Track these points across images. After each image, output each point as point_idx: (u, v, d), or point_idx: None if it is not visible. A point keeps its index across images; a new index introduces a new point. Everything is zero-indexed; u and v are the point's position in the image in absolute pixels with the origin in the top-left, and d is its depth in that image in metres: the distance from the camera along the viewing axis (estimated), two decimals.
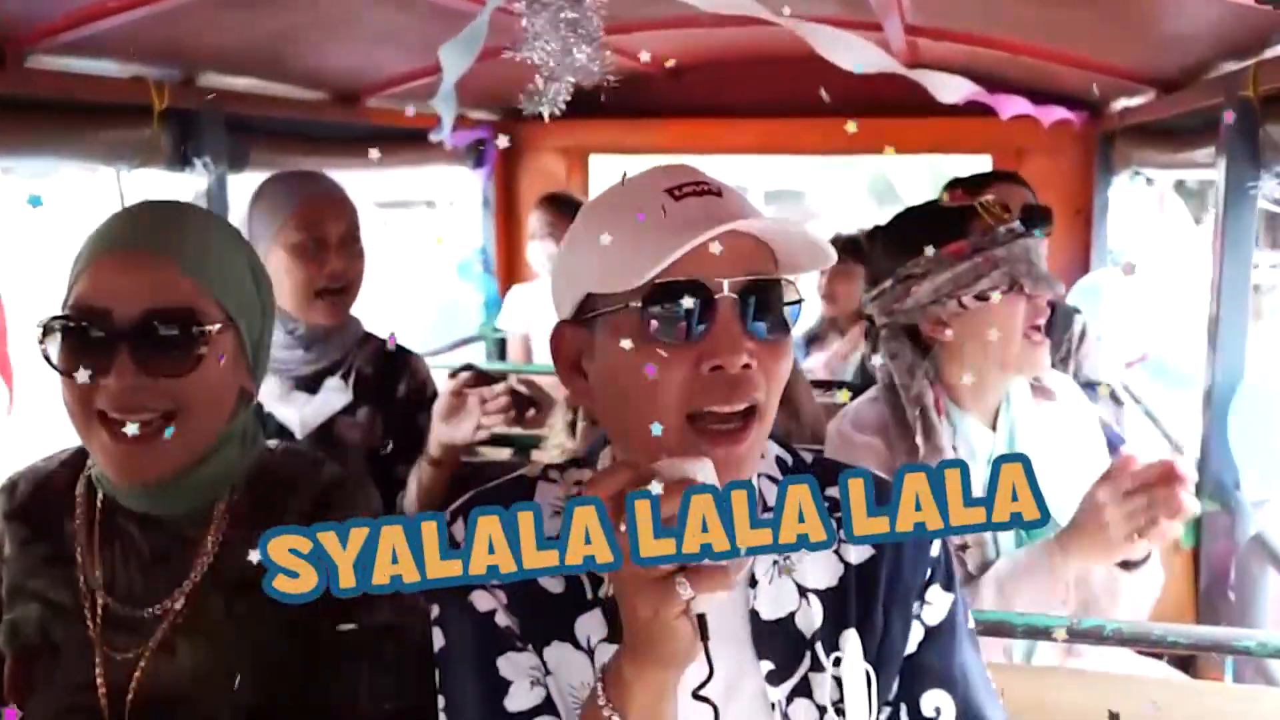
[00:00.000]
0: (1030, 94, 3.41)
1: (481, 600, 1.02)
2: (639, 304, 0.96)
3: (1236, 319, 2.20)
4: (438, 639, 1.05)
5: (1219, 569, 2.18)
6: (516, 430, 2.75)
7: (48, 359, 1.16)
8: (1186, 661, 2.11)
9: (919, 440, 1.73)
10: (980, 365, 1.73)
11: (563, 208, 3.41)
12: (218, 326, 1.19)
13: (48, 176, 2.22)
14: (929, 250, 1.70)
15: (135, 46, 2.15)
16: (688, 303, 0.94)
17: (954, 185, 2.52)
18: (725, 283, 0.95)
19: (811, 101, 3.95)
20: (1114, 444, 2.45)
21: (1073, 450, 1.79)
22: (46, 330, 1.16)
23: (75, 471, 1.28)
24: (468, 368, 1.93)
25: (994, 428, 1.77)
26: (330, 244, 1.94)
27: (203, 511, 1.23)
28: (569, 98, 1.86)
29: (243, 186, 2.88)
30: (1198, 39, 2.25)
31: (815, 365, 3.50)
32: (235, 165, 2.51)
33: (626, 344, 0.95)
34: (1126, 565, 1.63)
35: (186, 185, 2.39)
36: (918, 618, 1.06)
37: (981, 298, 1.70)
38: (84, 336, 1.14)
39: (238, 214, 2.03)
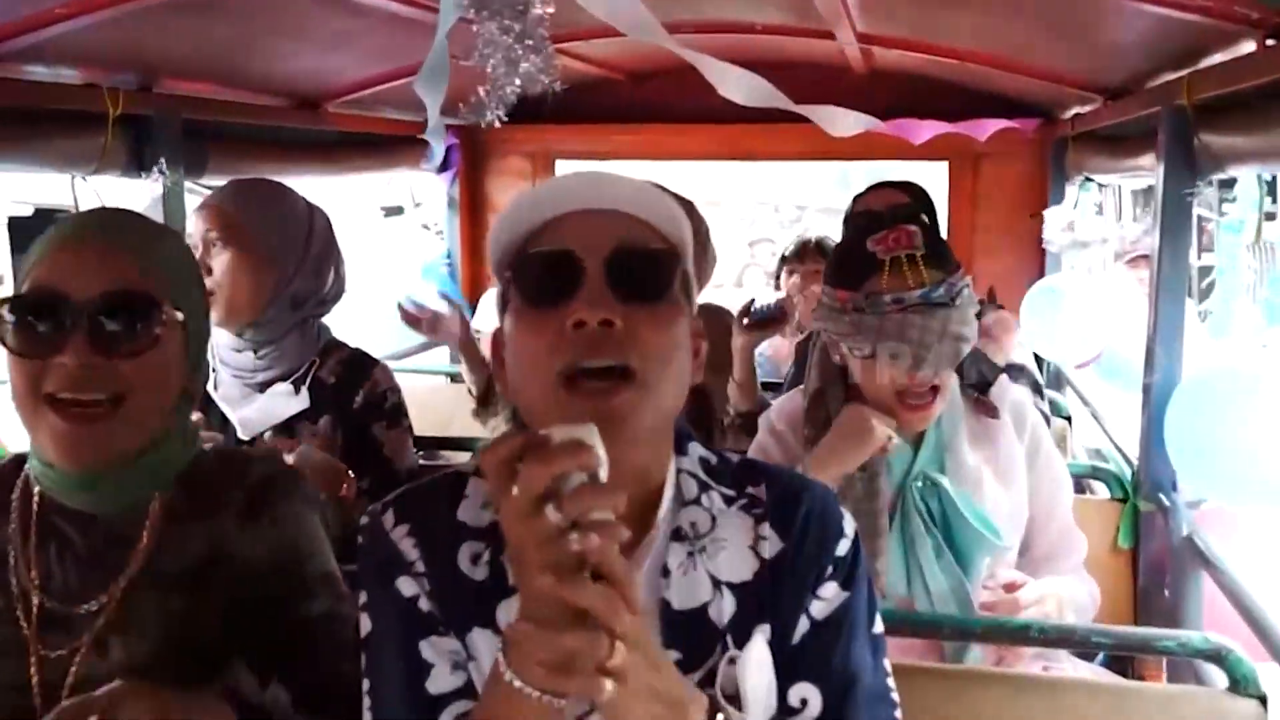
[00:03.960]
0: (981, 101, 3.47)
1: (406, 586, 1.06)
2: (512, 275, 1.05)
3: (1174, 321, 2.24)
4: (365, 624, 1.09)
5: (1156, 569, 2.22)
6: (477, 434, 2.79)
7: (1, 341, 1.19)
8: (1126, 663, 2.16)
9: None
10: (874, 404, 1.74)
11: None
12: (169, 315, 1.23)
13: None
14: (827, 286, 1.74)
15: (90, 53, 2.16)
16: (552, 270, 1.01)
17: (873, 188, 2.58)
18: (593, 251, 1.01)
19: (773, 109, 4.01)
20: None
21: (1011, 471, 1.80)
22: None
23: (9, 478, 1.30)
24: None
25: (919, 444, 1.77)
26: (199, 245, 1.97)
27: (138, 509, 1.25)
28: (512, 106, 1.90)
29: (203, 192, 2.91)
30: (1138, 49, 2.29)
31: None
32: (193, 171, 2.53)
33: (509, 315, 1.05)
34: None
35: (143, 191, 2.41)
36: (805, 611, 1.08)
37: (852, 353, 1.72)
38: (40, 318, 1.17)
39: None
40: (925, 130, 2.73)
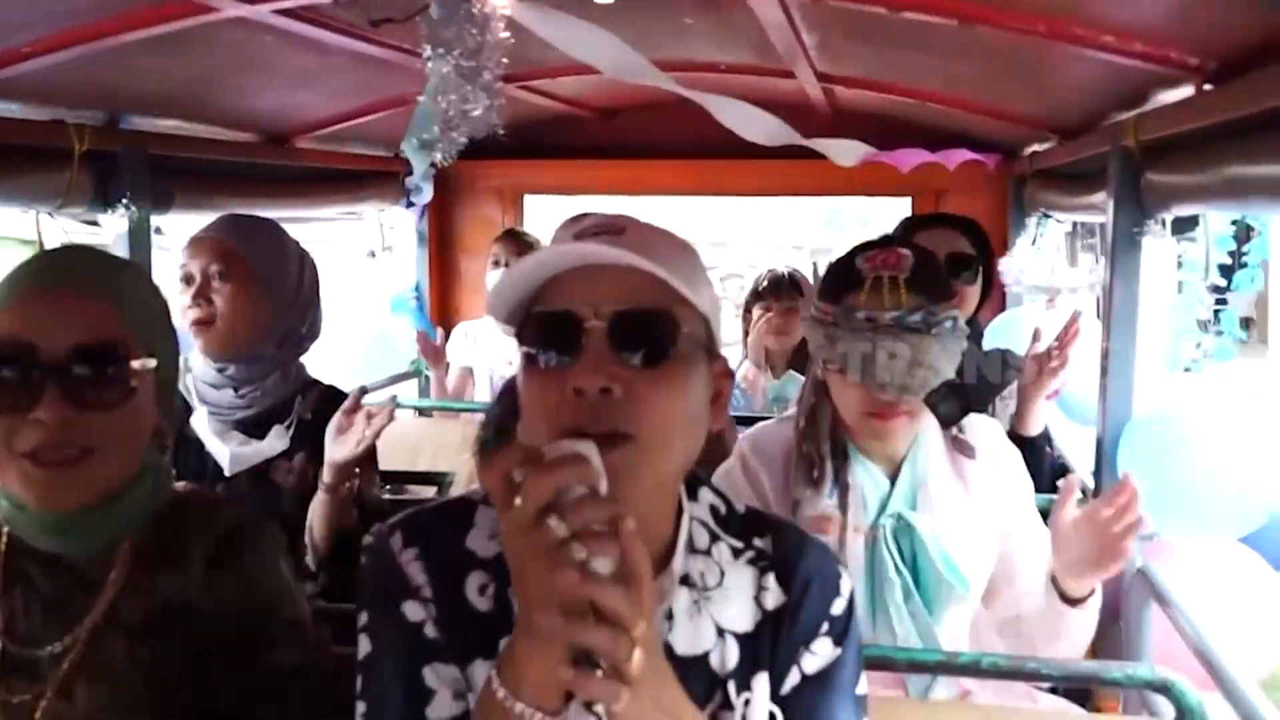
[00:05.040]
0: (945, 138, 3.53)
1: (412, 610, 1.05)
2: (520, 333, 1.04)
3: (1125, 357, 2.29)
4: (364, 645, 1.07)
5: (1111, 602, 2.24)
6: (444, 469, 2.80)
7: None
8: (1084, 695, 2.18)
9: (823, 463, 1.75)
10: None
11: (521, 242, 3.51)
12: (143, 361, 1.21)
13: None
14: (814, 300, 1.73)
15: (56, 90, 2.18)
16: (554, 331, 1.00)
17: (904, 224, 2.58)
18: (593, 312, 0.99)
19: (742, 144, 4.09)
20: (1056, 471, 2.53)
21: (982, 515, 1.78)
22: None
23: None
24: (362, 391, 1.96)
25: (895, 477, 1.76)
26: (195, 280, 1.98)
27: (106, 553, 1.23)
28: (461, 147, 1.93)
29: (168, 227, 2.92)
30: (1089, 91, 2.35)
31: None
32: (159, 206, 2.54)
33: (519, 369, 1.04)
34: (1073, 602, 1.67)
35: (109, 226, 2.42)
36: (797, 664, 1.09)
37: (825, 366, 1.72)
38: (10, 372, 1.15)
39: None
40: (910, 159, 2.80)
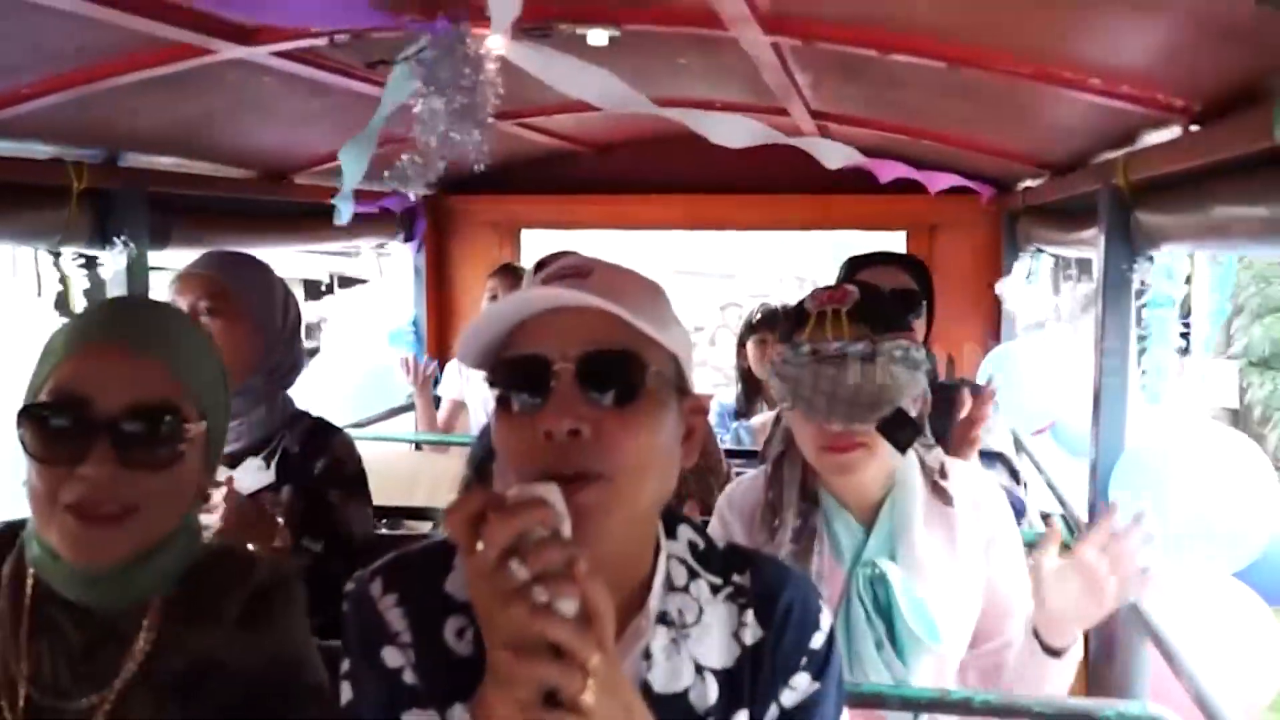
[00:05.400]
0: (938, 171, 3.56)
1: (391, 657, 1.05)
2: (492, 378, 1.04)
3: (1117, 392, 2.30)
4: (345, 693, 1.08)
5: (1104, 638, 2.25)
6: (439, 503, 2.80)
7: (24, 445, 1.16)
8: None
9: (784, 511, 1.74)
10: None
11: (516, 277, 3.54)
12: (195, 423, 1.21)
13: None
14: (769, 339, 1.75)
15: (56, 128, 2.21)
16: (524, 374, 1.01)
17: (848, 263, 2.60)
18: (561, 355, 1.00)
19: (737, 179, 4.11)
20: (1018, 510, 2.51)
21: (965, 563, 1.75)
22: (23, 415, 1.15)
23: (2, 553, 1.26)
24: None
25: (871, 526, 1.74)
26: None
27: (137, 607, 1.22)
28: (439, 175, 1.95)
29: (166, 263, 2.94)
30: (1079, 131, 2.38)
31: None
32: (156, 243, 2.56)
33: (492, 411, 1.05)
34: (1055, 652, 1.63)
35: (107, 263, 2.43)
36: (776, 699, 1.08)
37: (782, 404, 1.72)
38: (63, 424, 1.14)
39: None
40: (893, 170, 2.81)
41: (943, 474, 1.78)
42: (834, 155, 2.32)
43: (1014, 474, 2.56)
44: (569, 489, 0.95)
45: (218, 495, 1.79)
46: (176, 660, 1.21)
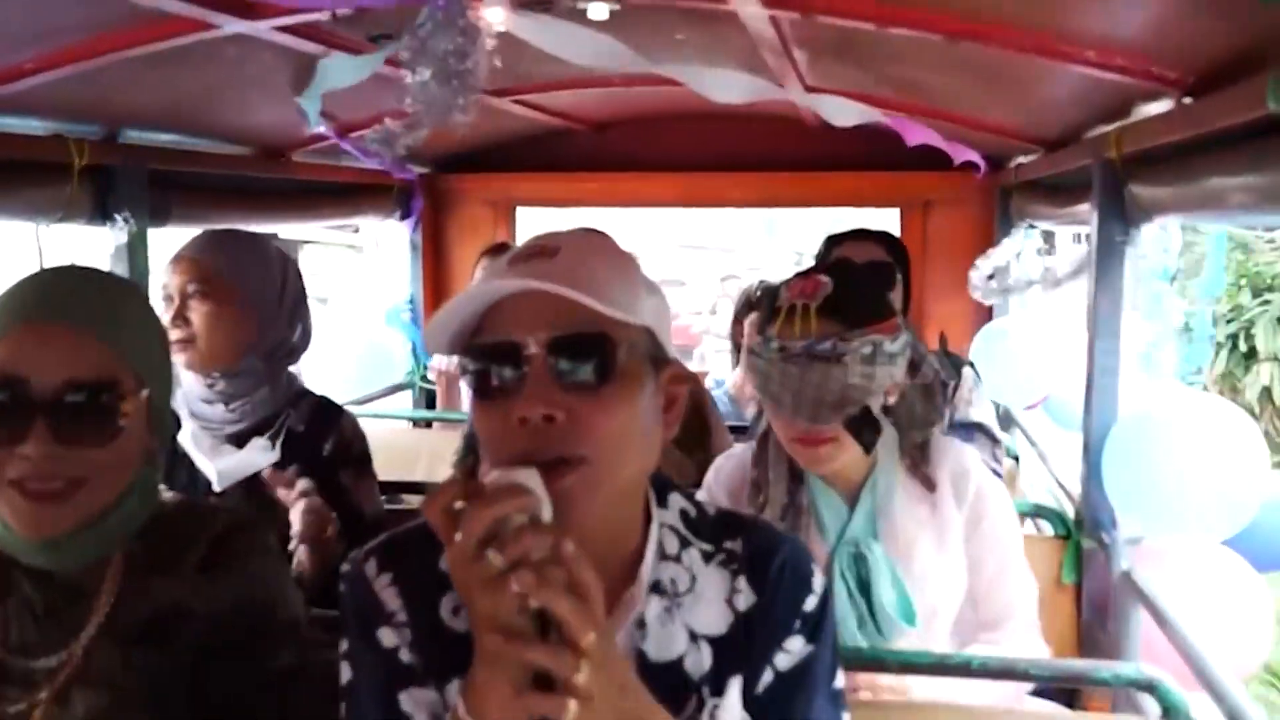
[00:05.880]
0: (933, 150, 3.57)
1: (387, 637, 1.06)
2: (465, 363, 1.04)
3: (1110, 364, 2.33)
4: (344, 672, 1.09)
5: (1098, 604, 2.29)
6: (439, 479, 2.82)
7: None
8: (1074, 696, 2.22)
9: (767, 488, 1.77)
10: None
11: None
12: (134, 395, 1.21)
13: None
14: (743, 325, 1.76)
15: (56, 105, 2.21)
16: (496, 359, 1.01)
17: (826, 241, 2.64)
18: (531, 339, 0.99)
19: (732, 156, 4.12)
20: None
21: (948, 544, 1.77)
22: None
23: None
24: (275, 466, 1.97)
25: (855, 505, 1.76)
26: (174, 300, 1.99)
27: (98, 565, 1.24)
28: (420, 141, 1.96)
29: (166, 240, 2.95)
30: (1072, 105, 2.40)
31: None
32: (156, 220, 2.56)
33: (467, 396, 1.04)
34: None
35: (107, 240, 2.44)
36: (770, 663, 1.09)
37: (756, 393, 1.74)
38: (1, 403, 1.14)
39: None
40: (917, 134, 2.77)
41: (924, 456, 1.79)
42: (844, 113, 2.29)
43: (995, 444, 2.60)
44: (549, 474, 0.96)
45: (297, 500, 1.83)
46: (140, 611, 1.22)
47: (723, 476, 1.87)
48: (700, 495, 1.86)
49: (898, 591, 1.71)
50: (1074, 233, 3.33)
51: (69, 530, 1.19)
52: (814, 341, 1.63)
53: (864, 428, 1.67)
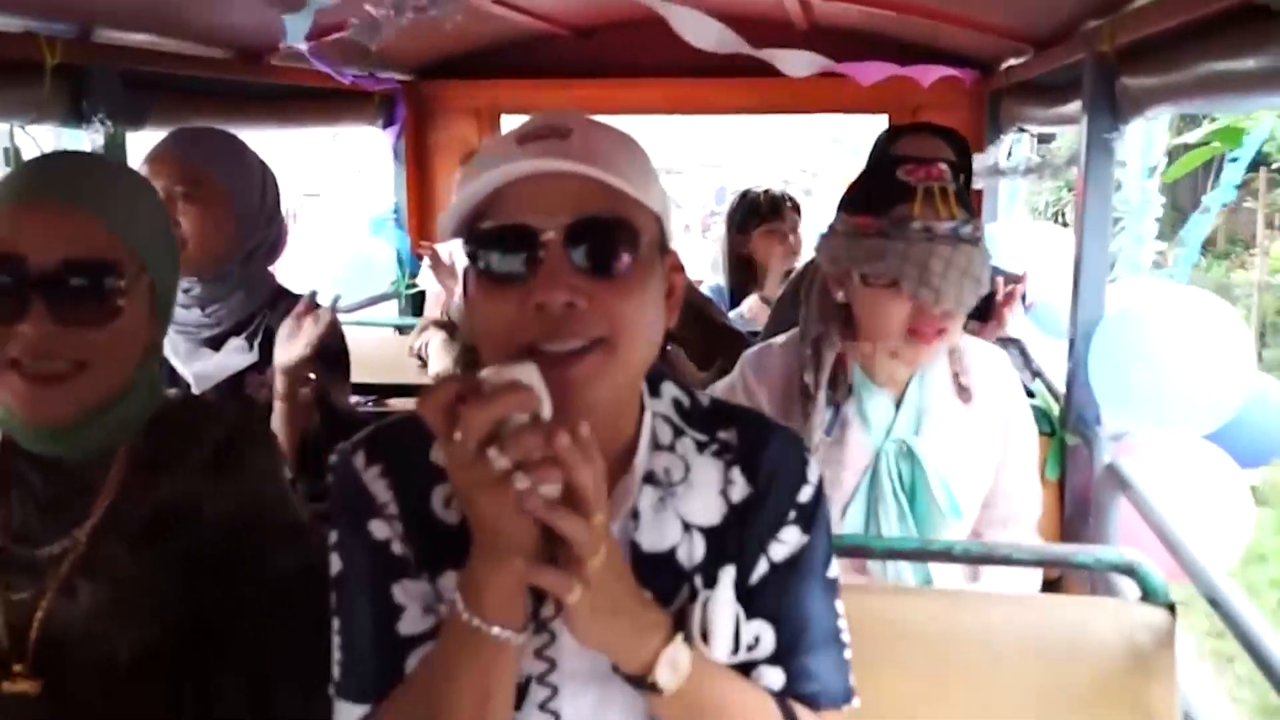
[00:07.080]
0: (923, 54, 3.53)
1: (378, 529, 1.05)
2: (473, 248, 1.00)
3: (1098, 261, 2.33)
4: (334, 564, 1.07)
5: (1080, 497, 2.32)
6: (424, 381, 2.83)
7: None
8: (1055, 585, 2.26)
9: (818, 394, 1.72)
10: (875, 342, 1.71)
11: None
12: (135, 278, 1.20)
13: None
14: (843, 213, 1.69)
15: (25, 1, 2.15)
16: (509, 245, 0.97)
17: (887, 134, 2.53)
18: (551, 223, 0.95)
19: (718, 62, 4.08)
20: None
21: (981, 443, 1.78)
22: None
23: None
24: (313, 296, 1.95)
25: (900, 403, 1.75)
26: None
27: (103, 457, 1.24)
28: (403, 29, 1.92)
29: (142, 143, 2.90)
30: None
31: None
32: (133, 122, 2.52)
33: (471, 283, 1.01)
34: None
35: (83, 142, 2.39)
36: (764, 552, 1.08)
37: (867, 281, 1.67)
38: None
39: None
40: (874, 72, 2.74)
41: (962, 357, 1.79)
42: (799, 64, 2.27)
43: (1027, 359, 2.61)
44: (567, 361, 0.94)
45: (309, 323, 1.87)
46: (145, 506, 1.22)
47: (767, 368, 1.81)
48: (734, 379, 1.84)
49: (944, 487, 1.72)
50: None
51: (71, 416, 1.18)
52: (959, 223, 1.60)
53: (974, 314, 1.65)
